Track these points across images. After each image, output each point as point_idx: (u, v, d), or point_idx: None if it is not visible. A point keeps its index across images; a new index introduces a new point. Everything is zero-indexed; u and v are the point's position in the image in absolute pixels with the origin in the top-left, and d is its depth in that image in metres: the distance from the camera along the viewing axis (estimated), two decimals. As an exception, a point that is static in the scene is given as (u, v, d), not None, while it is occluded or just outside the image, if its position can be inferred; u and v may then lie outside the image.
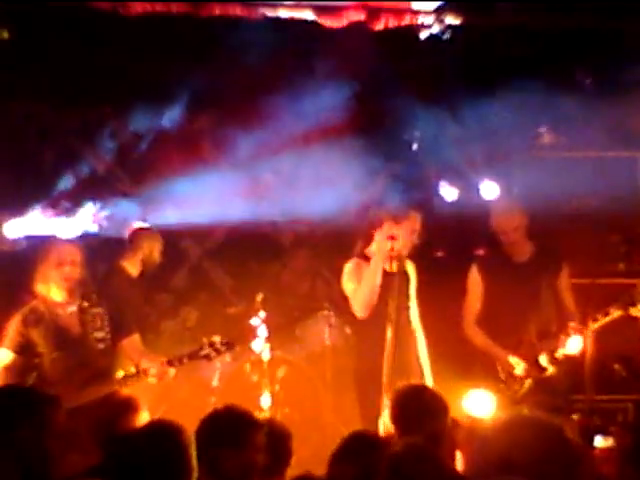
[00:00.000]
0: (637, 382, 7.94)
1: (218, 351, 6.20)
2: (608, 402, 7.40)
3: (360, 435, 4.34)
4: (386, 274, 6.20)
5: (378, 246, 6.26)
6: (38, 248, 6.44)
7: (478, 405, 6.10)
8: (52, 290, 6.16)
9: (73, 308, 6.21)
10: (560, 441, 2.77)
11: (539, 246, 6.68)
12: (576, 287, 6.67)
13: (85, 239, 7.87)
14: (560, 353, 6.37)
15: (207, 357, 6.21)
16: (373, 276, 6.18)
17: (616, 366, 7.72)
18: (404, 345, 6.22)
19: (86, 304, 6.23)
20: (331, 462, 4.10)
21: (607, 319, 6.34)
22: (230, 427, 4.20)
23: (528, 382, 6.47)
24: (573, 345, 6.31)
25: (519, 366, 6.48)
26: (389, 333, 6.03)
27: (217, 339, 6.19)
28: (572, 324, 6.33)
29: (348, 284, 6.36)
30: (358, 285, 6.26)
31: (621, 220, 8.20)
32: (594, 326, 6.29)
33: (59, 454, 3.58)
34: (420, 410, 4.47)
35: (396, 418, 4.53)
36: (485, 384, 6.27)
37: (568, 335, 6.31)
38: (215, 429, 4.18)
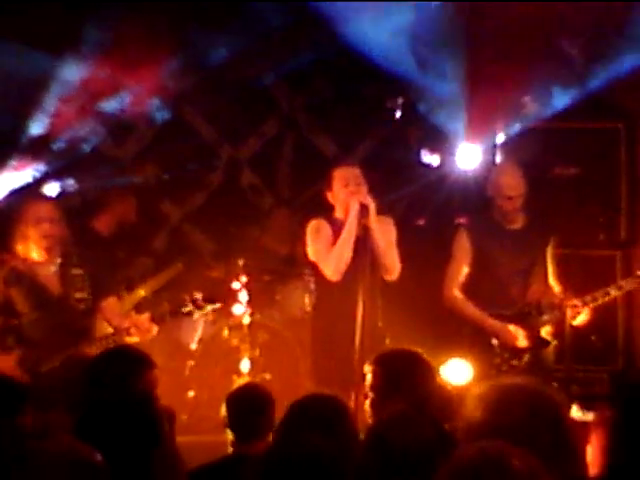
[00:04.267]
0: (613, 354, 8.01)
1: (200, 307, 6.15)
2: (585, 372, 7.45)
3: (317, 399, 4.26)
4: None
5: (343, 205, 6.21)
6: (16, 207, 6.38)
7: (456, 374, 6.11)
8: (31, 249, 6.10)
9: (53, 268, 6.15)
10: (551, 407, 2.76)
11: (529, 215, 6.52)
12: (557, 258, 6.62)
13: (63, 198, 7.85)
14: (564, 327, 6.21)
15: (189, 314, 6.16)
16: (348, 236, 6.10)
17: (593, 337, 7.75)
18: (375, 308, 6.17)
19: (66, 264, 6.17)
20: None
21: (612, 297, 6.33)
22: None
23: (527, 356, 6.31)
24: (579, 318, 6.22)
25: (521, 338, 6.32)
26: (361, 295, 6.03)
27: (199, 295, 6.14)
28: (573, 298, 6.25)
29: (312, 245, 6.30)
30: (321, 245, 6.21)
31: (602, 191, 8.21)
32: (598, 303, 6.24)
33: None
34: (407, 372, 4.35)
35: (380, 382, 4.41)
36: (472, 356, 6.18)
37: (568, 308, 6.20)
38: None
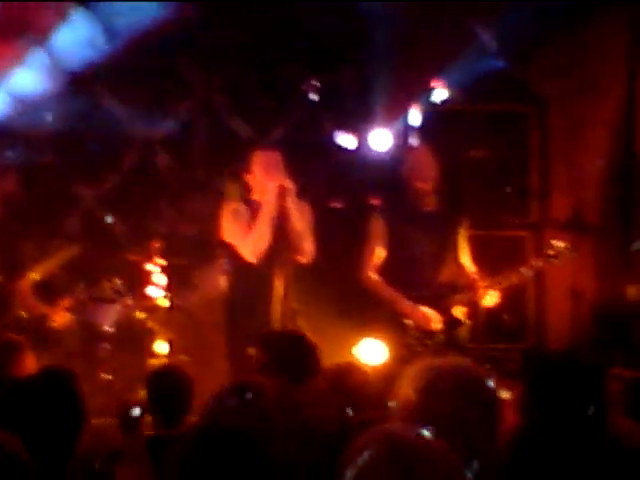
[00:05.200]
0: (525, 332, 8.15)
1: (120, 293, 6.12)
2: (497, 351, 7.57)
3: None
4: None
5: (261, 188, 6.23)
6: None
7: (370, 354, 6.17)
8: None
9: None
10: (481, 387, 2.80)
11: (443, 197, 6.58)
12: (470, 239, 6.69)
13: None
14: (477, 307, 6.32)
15: (109, 299, 6.12)
16: (266, 218, 6.13)
17: (505, 316, 7.87)
18: (289, 289, 6.20)
19: None
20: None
21: (523, 277, 6.43)
22: None
23: (440, 336, 6.35)
24: (491, 299, 6.32)
25: (435, 319, 6.35)
26: (278, 277, 6.07)
27: (118, 281, 6.11)
28: (485, 278, 6.33)
29: (229, 227, 6.31)
30: (238, 227, 6.23)
31: (513, 173, 8.34)
32: (510, 284, 6.34)
33: None
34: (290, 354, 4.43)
35: (264, 362, 4.46)
36: (386, 336, 6.23)
37: (480, 289, 6.30)
38: None
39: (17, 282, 6.14)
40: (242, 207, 6.33)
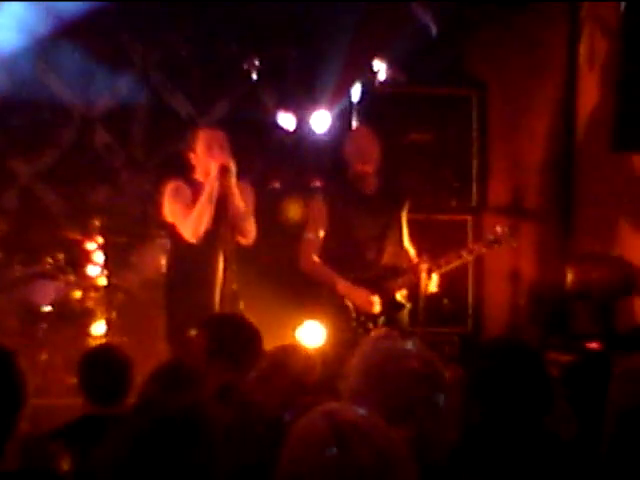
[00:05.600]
0: (464, 316, 8.21)
1: (62, 269, 6.04)
2: (436, 335, 7.61)
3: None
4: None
5: (204, 167, 6.18)
6: None
7: (311, 336, 6.17)
8: None
9: None
10: (431, 370, 2.81)
11: (383, 180, 6.53)
12: (410, 222, 6.70)
13: None
14: (418, 290, 6.29)
15: (50, 276, 6.04)
16: (209, 198, 6.07)
17: (445, 300, 7.91)
18: (230, 271, 6.17)
19: None
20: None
21: (464, 260, 6.46)
22: None
23: (382, 319, 6.32)
24: (432, 282, 6.33)
25: (376, 302, 6.31)
26: (221, 258, 6.04)
27: (60, 257, 6.01)
28: (426, 261, 6.34)
29: (170, 206, 6.24)
30: (180, 207, 6.17)
31: (454, 157, 8.37)
32: (451, 266, 6.37)
33: None
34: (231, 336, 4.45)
35: (205, 345, 4.47)
36: (327, 319, 6.23)
37: (421, 272, 6.26)
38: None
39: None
40: (183, 186, 6.27)
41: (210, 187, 6.09)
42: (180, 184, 6.28)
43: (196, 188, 6.22)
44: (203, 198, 6.10)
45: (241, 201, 6.17)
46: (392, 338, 2.99)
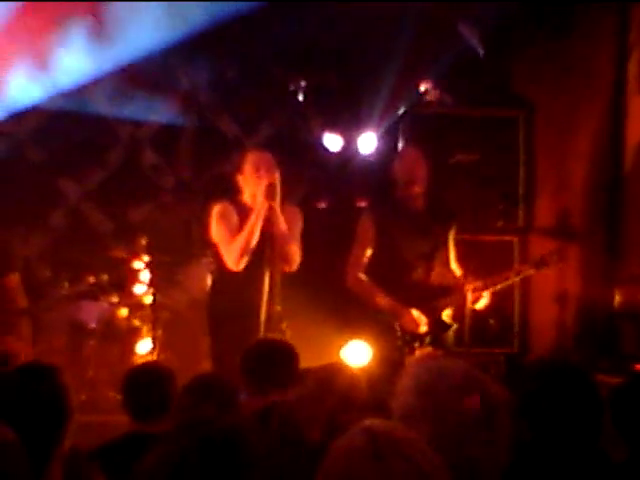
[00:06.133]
0: (509, 337, 8.16)
1: (105, 291, 6.07)
2: (482, 355, 7.57)
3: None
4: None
5: (252, 189, 6.17)
6: None
7: (357, 356, 6.15)
8: None
9: None
10: (480, 389, 2.79)
11: (431, 200, 6.52)
12: (456, 243, 6.68)
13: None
14: (464, 310, 6.29)
15: (95, 297, 6.07)
16: (252, 229, 6.05)
17: (491, 321, 7.88)
18: (274, 292, 6.15)
19: None
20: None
21: (511, 281, 6.44)
22: None
23: (428, 339, 6.30)
24: (480, 302, 6.32)
25: (422, 322, 6.28)
26: (266, 280, 6.03)
27: (104, 277, 6.05)
28: (473, 282, 6.32)
29: (216, 230, 6.23)
30: (225, 232, 6.15)
31: (501, 178, 8.35)
32: (498, 287, 6.34)
33: None
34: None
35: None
36: (374, 338, 6.20)
37: (468, 292, 6.25)
38: None
39: (6, 278, 6.08)
40: (230, 209, 6.26)
41: (257, 212, 6.08)
42: (227, 206, 6.25)
43: (243, 210, 6.20)
44: (249, 225, 6.10)
45: (285, 225, 6.15)
46: (440, 357, 2.99)
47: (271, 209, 6.03)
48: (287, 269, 6.26)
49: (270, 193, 6.03)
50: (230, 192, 6.35)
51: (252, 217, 6.08)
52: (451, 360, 2.90)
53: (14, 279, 6.18)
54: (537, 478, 3.12)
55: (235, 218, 6.20)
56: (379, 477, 2.05)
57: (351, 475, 2.07)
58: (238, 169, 6.27)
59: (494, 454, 2.70)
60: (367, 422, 2.20)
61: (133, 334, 7.74)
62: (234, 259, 6.10)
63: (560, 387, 3.35)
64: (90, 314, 7.88)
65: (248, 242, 6.08)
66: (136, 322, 7.79)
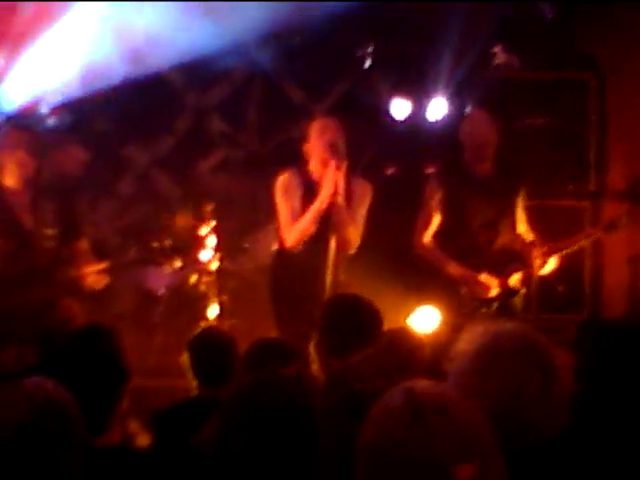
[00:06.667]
0: (580, 302, 8.06)
1: (168, 257, 6.09)
2: (550, 321, 7.49)
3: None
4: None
5: (318, 158, 6.13)
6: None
7: (425, 321, 6.12)
8: (6, 177, 5.98)
9: (27, 199, 6.01)
10: (541, 353, 2.75)
11: (499, 164, 6.46)
12: (526, 207, 6.60)
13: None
14: (532, 275, 6.24)
15: (157, 262, 6.10)
16: (316, 213, 6.05)
17: (560, 287, 7.78)
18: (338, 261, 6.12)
19: (39, 196, 6.03)
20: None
21: (579, 246, 6.35)
22: None
23: (495, 304, 6.28)
24: (548, 267, 6.24)
25: (492, 287, 6.27)
26: (331, 247, 5.99)
27: (168, 243, 6.07)
28: (541, 247, 6.24)
29: (279, 203, 6.24)
30: (287, 209, 6.15)
31: (571, 142, 8.22)
32: (565, 252, 6.26)
33: None
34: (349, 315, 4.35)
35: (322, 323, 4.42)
36: (441, 304, 6.16)
37: (537, 257, 6.20)
38: None
39: (74, 244, 6.13)
40: (294, 182, 6.23)
41: (319, 204, 6.05)
42: (292, 179, 6.23)
43: (307, 182, 6.19)
44: (310, 214, 6.08)
45: (345, 213, 6.09)
46: (500, 322, 2.94)
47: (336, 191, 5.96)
48: (345, 251, 6.21)
49: (333, 151, 5.98)
50: (296, 160, 6.33)
51: (315, 204, 6.06)
52: (510, 324, 2.86)
53: (83, 244, 6.22)
54: (596, 440, 3.06)
55: (299, 192, 6.19)
56: (419, 436, 2.03)
57: (391, 435, 2.06)
58: (304, 137, 6.24)
59: (551, 419, 2.66)
60: (408, 383, 2.19)
61: (200, 300, 7.77)
62: (292, 241, 6.15)
63: (633, 350, 3.29)
64: (158, 281, 7.95)
65: (308, 228, 6.09)
66: (203, 288, 7.81)
